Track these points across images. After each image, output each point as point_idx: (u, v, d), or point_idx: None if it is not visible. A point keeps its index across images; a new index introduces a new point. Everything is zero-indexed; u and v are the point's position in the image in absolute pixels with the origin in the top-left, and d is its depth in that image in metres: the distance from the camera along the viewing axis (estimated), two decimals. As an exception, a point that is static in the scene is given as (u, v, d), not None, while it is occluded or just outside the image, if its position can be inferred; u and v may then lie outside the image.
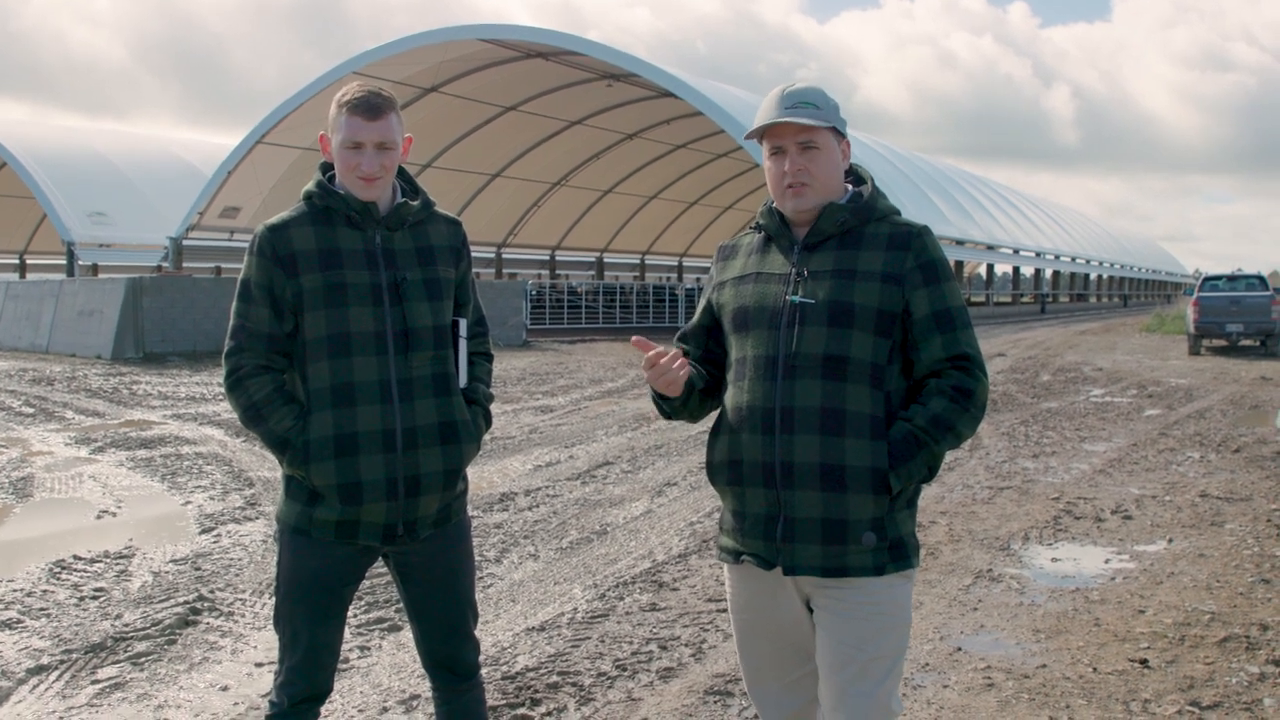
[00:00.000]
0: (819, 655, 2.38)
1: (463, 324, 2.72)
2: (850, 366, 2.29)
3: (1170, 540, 6.43)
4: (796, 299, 2.34)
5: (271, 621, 2.72)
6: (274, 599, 2.68)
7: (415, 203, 2.68)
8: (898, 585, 2.33)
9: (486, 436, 3.08)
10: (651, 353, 2.37)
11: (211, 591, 5.31)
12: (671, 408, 2.51)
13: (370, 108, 2.54)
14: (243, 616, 4.95)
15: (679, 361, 2.37)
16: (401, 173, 2.70)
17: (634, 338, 2.44)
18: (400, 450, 2.56)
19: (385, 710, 3.88)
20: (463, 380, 2.71)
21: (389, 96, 2.60)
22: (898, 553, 2.32)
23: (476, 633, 2.81)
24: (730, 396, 2.41)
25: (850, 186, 2.47)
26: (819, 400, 2.28)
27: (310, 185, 2.64)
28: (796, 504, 2.29)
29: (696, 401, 2.51)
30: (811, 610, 2.40)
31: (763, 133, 2.39)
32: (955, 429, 2.30)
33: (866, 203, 2.40)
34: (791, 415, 2.29)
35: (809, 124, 2.33)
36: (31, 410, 12.44)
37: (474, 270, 2.88)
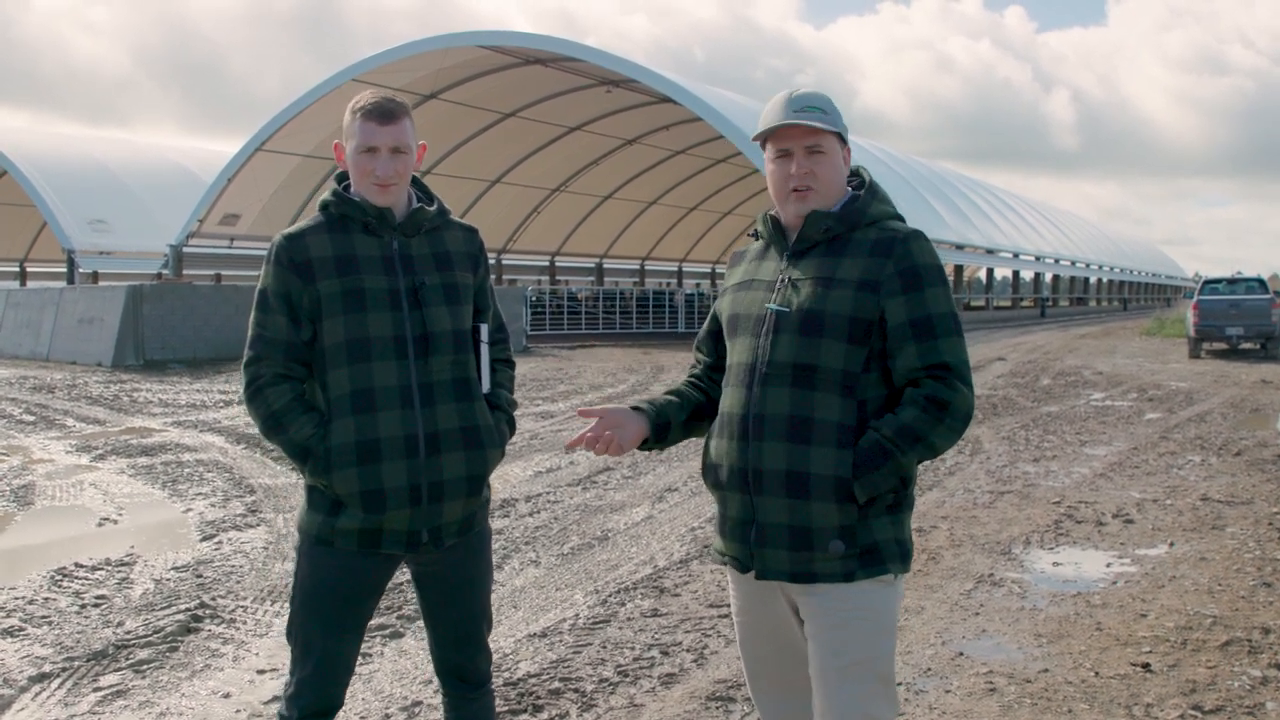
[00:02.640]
0: (809, 660, 2.39)
1: (484, 329, 2.72)
2: (819, 375, 2.29)
3: (1171, 544, 6.43)
4: (774, 306, 2.36)
5: (284, 631, 2.71)
6: (288, 609, 2.67)
7: (431, 209, 2.69)
8: (872, 591, 2.31)
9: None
10: (587, 438, 2.44)
11: (213, 599, 5.31)
12: (646, 448, 2.57)
13: (384, 113, 2.56)
14: (244, 624, 4.95)
15: (609, 433, 2.44)
16: (416, 181, 2.72)
17: (580, 409, 2.51)
18: (423, 455, 2.54)
19: (387, 717, 3.88)
20: (485, 386, 2.71)
21: (402, 102, 2.62)
22: (870, 559, 2.30)
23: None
24: (720, 402, 2.46)
25: (851, 189, 2.46)
26: (787, 408, 2.30)
27: (326, 194, 2.66)
28: (766, 510, 2.32)
29: (680, 432, 2.56)
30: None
31: (768, 135, 2.39)
32: (927, 440, 2.27)
33: (856, 208, 2.39)
34: (762, 422, 2.32)
35: (818, 127, 2.34)
36: (32, 418, 12.44)
37: None
